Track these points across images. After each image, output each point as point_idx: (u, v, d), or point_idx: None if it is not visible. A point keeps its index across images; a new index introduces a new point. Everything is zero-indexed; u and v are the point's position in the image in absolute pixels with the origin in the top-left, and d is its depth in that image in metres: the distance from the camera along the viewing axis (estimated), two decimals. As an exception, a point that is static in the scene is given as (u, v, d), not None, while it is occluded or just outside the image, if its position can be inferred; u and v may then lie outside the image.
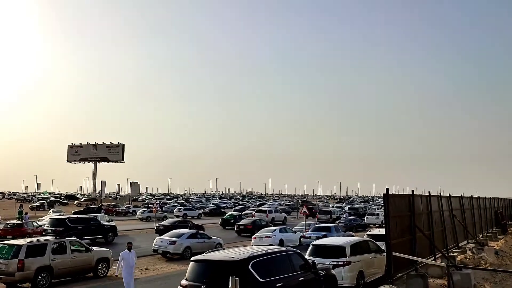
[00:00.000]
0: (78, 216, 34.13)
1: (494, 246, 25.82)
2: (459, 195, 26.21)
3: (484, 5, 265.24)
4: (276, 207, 64.68)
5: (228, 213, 48.90)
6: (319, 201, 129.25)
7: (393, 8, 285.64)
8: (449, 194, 23.11)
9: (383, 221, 19.22)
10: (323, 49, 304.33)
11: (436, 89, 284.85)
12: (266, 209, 55.60)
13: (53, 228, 27.35)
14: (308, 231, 30.03)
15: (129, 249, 13.94)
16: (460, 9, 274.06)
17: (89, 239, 27.16)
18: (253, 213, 51.68)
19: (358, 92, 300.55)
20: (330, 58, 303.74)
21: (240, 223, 38.01)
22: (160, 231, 31.56)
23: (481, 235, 28.76)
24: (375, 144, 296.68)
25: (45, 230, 27.98)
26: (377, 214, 48.11)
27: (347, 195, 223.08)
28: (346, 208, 71.04)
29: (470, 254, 20.91)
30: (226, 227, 41.88)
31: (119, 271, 14.31)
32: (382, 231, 19.73)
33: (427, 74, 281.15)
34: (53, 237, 18.62)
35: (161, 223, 36.26)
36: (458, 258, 19.61)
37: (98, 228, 29.86)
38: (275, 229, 29.55)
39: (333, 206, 78.88)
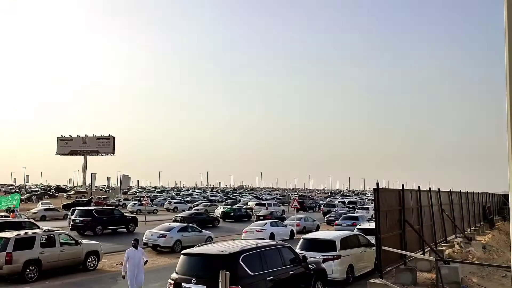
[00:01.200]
0: (103, 207, 38.07)
1: (481, 241, 26.17)
2: (448, 190, 26.46)
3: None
4: (274, 201, 67.25)
5: (228, 206, 50.46)
6: (309, 194, 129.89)
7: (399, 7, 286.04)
8: (439, 189, 23.31)
9: (373, 215, 19.37)
10: (320, 45, 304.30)
11: (427, 85, 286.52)
12: (265, 202, 58.12)
13: (81, 219, 29.67)
14: (339, 220, 33.30)
15: (135, 247, 12.84)
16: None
17: (112, 229, 30.83)
18: (253, 205, 53.44)
19: (351, 88, 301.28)
20: (327, 54, 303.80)
21: (259, 214, 42.61)
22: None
23: (469, 230, 29.09)
24: (366, 139, 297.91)
25: (73, 220, 30.31)
26: (367, 208, 48.47)
27: (337, 189, 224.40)
28: (337, 201, 71.80)
29: (458, 248, 21.14)
30: (226, 220, 43.77)
31: (125, 271, 12.78)
32: (372, 225, 19.91)
33: (420, 71, 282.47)
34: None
35: (179, 215, 38.23)
36: (446, 252, 19.82)
37: (121, 219, 32.18)
38: (266, 223, 29.70)
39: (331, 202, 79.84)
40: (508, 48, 2.84)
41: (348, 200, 75.17)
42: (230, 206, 49.90)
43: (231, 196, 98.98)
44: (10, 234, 15.98)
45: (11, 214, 28.10)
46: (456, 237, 24.02)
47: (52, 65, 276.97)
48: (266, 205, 52.39)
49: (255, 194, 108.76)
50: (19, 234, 15.88)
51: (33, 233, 16.48)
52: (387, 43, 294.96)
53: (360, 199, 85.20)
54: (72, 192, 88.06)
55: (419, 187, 19.52)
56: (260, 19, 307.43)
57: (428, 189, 21.19)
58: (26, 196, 71.15)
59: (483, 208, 38.56)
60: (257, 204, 53.80)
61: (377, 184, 14.65)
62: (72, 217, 30.82)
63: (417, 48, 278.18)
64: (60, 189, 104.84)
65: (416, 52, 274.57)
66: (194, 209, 49.34)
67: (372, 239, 16.19)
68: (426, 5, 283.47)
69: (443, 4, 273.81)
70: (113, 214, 32.16)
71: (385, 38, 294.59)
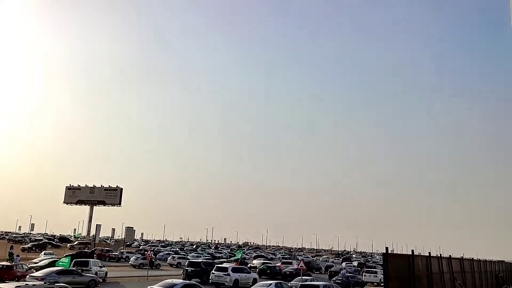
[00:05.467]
0: (208, 260, 44.93)
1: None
2: (460, 257, 25.71)
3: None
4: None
5: (263, 264, 51.91)
6: (316, 255, 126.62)
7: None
8: (450, 255, 22.67)
9: (382, 280, 18.75)
10: (326, 104, 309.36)
11: (437, 150, 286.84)
12: (291, 260, 62.37)
13: (192, 269, 36.67)
14: None
15: None
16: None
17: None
18: (279, 263, 54.83)
19: (359, 149, 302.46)
20: (334, 113, 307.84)
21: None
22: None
23: (482, 300, 27.92)
24: (375, 199, 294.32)
25: (185, 270, 36.96)
26: (375, 272, 46.85)
27: (344, 250, 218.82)
28: (343, 264, 69.85)
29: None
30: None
31: None
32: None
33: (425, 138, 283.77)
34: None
35: (187, 268, 39.01)
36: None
37: None
38: (271, 284, 28.84)
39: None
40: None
41: (357, 261, 74.00)
42: (267, 264, 50.21)
43: (235, 253, 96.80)
44: (9, 285, 15.67)
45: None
46: (468, 308, 23.02)
47: (62, 118, 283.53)
48: (292, 264, 52.87)
49: (261, 251, 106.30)
50: (19, 286, 15.56)
51: (32, 285, 16.15)
52: (398, 112, 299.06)
53: (373, 262, 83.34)
54: (75, 243, 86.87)
55: (429, 253, 19.04)
56: (261, 75, 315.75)
57: (439, 256, 20.63)
58: (29, 245, 70.33)
59: (496, 277, 37.19)
60: (283, 263, 54.29)
61: (386, 248, 14.33)
62: (185, 267, 38.01)
63: (422, 117, 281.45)
64: (64, 239, 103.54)
65: (419, 120, 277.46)
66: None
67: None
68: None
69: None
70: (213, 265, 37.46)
71: (393, 107, 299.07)
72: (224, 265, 38.71)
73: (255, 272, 45.45)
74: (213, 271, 34.54)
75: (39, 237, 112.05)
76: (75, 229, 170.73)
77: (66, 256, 34.95)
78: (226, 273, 33.65)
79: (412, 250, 16.91)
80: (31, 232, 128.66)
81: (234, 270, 34.82)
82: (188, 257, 63.92)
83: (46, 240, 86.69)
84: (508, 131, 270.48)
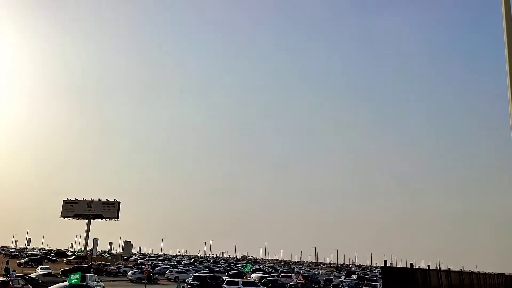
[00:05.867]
0: (214, 274, 46.46)
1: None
2: (459, 270, 25.58)
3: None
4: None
5: (264, 278, 51.03)
6: (314, 268, 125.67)
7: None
8: (449, 268, 22.56)
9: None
10: (326, 121, 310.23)
11: (438, 162, 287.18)
12: (291, 274, 63.06)
13: (198, 283, 38.66)
14: None
15: None
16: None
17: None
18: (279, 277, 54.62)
19: (358, 162, 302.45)
20: (333, 126, 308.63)
21: None
22: None
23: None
24: (375, 212, 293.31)
25: (190, 284, 39.22)
26: (375, 286, 46.48)
27: (343, 263, 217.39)
28: (342, 278, 69.52)
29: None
30: None
31: None
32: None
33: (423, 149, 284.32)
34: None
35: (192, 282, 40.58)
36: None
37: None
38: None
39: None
40: None
41: (358, 275, 73.65)
42: (269, 278, 49.53)
43: (234, 267, 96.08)
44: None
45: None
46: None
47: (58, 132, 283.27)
48: (292, 277, 53.34)
49: (258, 266, 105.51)
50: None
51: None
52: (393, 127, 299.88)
53: (372, 275, 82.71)
54: (72, 257, 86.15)
55: (428, 266, 18.94)
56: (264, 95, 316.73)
57: (438, 269, 20.53)
58: (25, 259, 69.73)
59: (496, 290, 36.94)
60: (282, 276, 53.94)
61: (385, 262, 14.29)
62: (189, 281, 40.14)
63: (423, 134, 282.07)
64: (60, 253, 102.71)
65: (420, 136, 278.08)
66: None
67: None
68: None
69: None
70: (219, 279, 39.87)
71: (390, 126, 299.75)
72: (235, 279, 39.26)
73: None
74: (224, 285, 36.33)
75: (35, 251, 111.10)
76: (72, 244, 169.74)
77: (72, 271, 34.02)
78: (237, 286, 35.14)
79: (411, 263, 16.85)
80: (28, 246, 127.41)
81: (245, 284, 36.10)
82: (185, 271, 63.40)
83: (43, 255, 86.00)
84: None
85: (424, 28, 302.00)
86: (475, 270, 31.21)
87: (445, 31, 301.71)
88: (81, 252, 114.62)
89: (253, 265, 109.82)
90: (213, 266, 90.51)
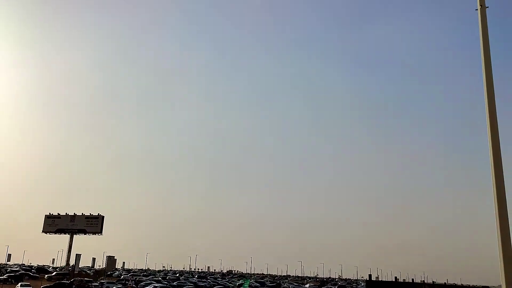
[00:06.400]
0: None
1: None
2: (443, 283, 25.72)
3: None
4: None
5: None
6: (300, 282, 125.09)
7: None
8: (433, 281, 22.69)
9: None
10: (318, 138, 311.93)
11: (425, 174, 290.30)
12: None
13: None
14: None
15: None
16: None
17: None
18: None
19: (347, 176, 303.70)
20: (324, 141, 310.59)
21: None
22: None
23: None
24: (360, 227, 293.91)
25: None
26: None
27: (329, 277, 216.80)
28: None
29: None
30: None
31: None
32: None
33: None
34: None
35: None
36: None
37: None
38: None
39: None
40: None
41: None
42: None
43: (219, 282, 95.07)
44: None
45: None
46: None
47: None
48: None
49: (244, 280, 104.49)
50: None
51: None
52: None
53: None
54: (53, 274, 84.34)
55: (412, 279, 19.06)
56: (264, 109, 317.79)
57: (422, 282, 20.63)
58: (5, 276, 68.04)
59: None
60: None
61: (369, 276, 14.35)
62: None
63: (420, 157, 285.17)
64: (41, 270, 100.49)
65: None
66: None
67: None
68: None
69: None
70: None
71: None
72: None
73: None
74: None
75: (15, 268, 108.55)
76: (53, 259, 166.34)
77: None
78: None
79: (396, 277, 16.93)
80: (8, 262, 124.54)
81: None
82: (170, 286, 62.58)
83: (23, 271, 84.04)
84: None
85: (416, 38, 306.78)
86: (459, 283, 31.41)
87: (438, 41, 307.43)
88: (71, 269, 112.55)
89: (239, 280, 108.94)
90: (198, 281, 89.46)
